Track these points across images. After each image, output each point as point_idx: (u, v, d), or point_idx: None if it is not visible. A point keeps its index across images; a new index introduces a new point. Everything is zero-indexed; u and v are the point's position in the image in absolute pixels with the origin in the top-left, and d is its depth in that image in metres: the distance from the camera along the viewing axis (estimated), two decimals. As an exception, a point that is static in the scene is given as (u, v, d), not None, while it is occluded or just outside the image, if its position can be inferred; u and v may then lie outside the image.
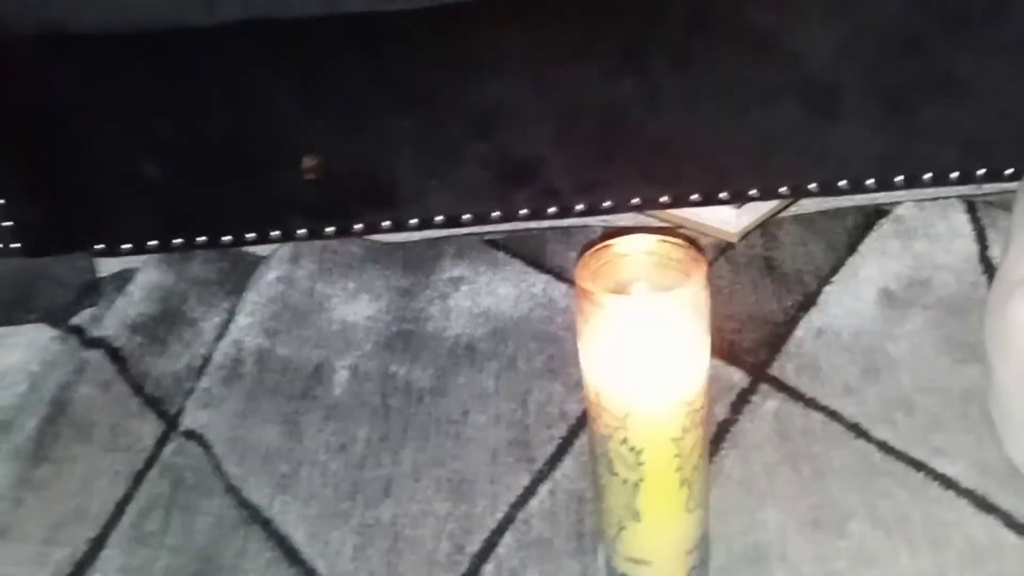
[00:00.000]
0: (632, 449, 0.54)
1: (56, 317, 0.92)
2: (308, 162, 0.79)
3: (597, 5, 0.77)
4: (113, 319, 0.88)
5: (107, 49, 0.78)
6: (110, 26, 0.76)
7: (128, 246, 0.88)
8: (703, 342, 0.53)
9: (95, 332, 0.87)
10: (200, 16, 0.75)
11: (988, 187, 0.90)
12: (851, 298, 0.83)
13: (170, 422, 0.79)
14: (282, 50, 0.79)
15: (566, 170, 0.84)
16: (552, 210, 0.87)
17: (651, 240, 0.53)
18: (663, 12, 0.77)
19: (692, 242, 0.51)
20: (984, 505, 0.66)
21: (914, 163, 0.84)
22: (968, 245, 0.86)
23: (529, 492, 0.71)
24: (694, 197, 0.86)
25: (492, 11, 0.76)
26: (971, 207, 0.88)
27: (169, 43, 0.77)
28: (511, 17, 0.77)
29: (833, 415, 0.74)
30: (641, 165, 0.84)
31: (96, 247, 0.89)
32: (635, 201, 0.87)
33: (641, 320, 0.51)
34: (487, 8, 0.75)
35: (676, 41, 0.78)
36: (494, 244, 0.93)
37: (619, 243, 0.52)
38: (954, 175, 0.84)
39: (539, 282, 0.88)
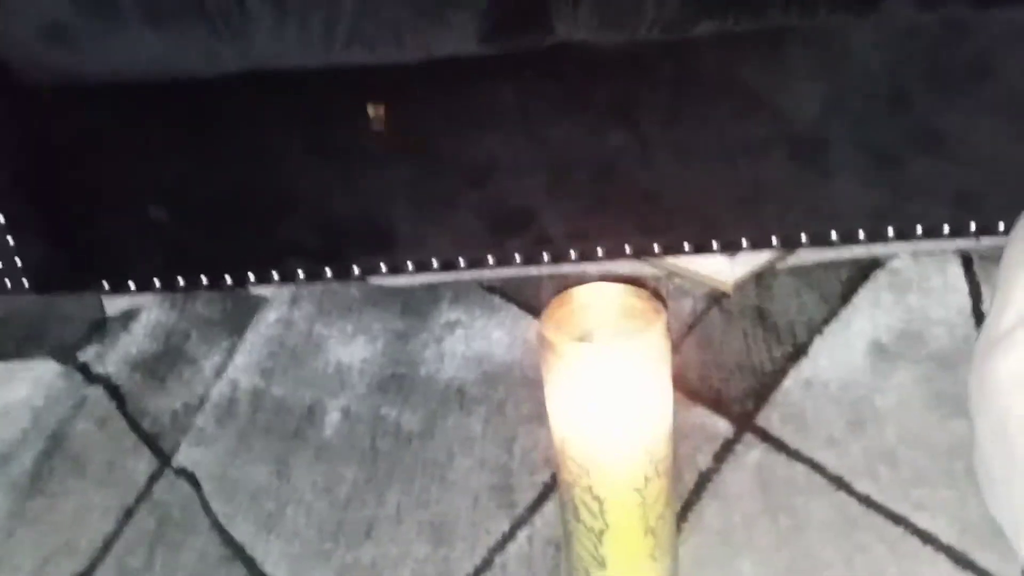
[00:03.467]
0: (596, 497, 0.54)
1: (65, 353, 0.94)
2: (373, 111, 0.77)
3: (587, 63, 0.79)
4: (116, 356, 0.90)
5: (116, 98, 0.81)
6: (119, 76, 0.79)
7: (133, 286, 0.90)
8: (665, 391, 0.54)
9: (98, 369, 0.90)
10: (202, 66, 0.78)
11: (986, 240, 0.90)
12: (842, 350, 0.83)
13: (164, 459, 0.81)
14: (282, 100, 0.82)
15: (558, 219, 0.86)
16: (546, 257, 0.89)
17: (613, 289, 0.54)
18: (651, 69, 0.79)
19: (655, 292, 0.52)
20: (963, 562, 0.66)
21: (905, 216, 0.84)
22: (962, 299, 0.86)
23: (508, 537, 0.71)
24: (686, 246, 0.87)
25: (484, 67, 0.78)
26: (967, 261, 0.88)
27: (174, 93, 0.80)
28: (503, 73, 0.79)
29: (816, 467, 0.74)
30: (632, 215, 0.86)
31: (103, 286, 0.91)
32: (628, 250, 0.88)
33: (602, 367, 0.52)
34: (480, 64, 0.78)
35: (665, 97, 0.80)
36: (491, 289, 0.94)
37: (581, 293, 0.54)
38: (946, 229, 0.85)
39: (533, 327, 0.89)
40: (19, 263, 0.88)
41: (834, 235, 0.86)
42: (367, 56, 0.78)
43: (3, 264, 0.88)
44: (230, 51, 0.77)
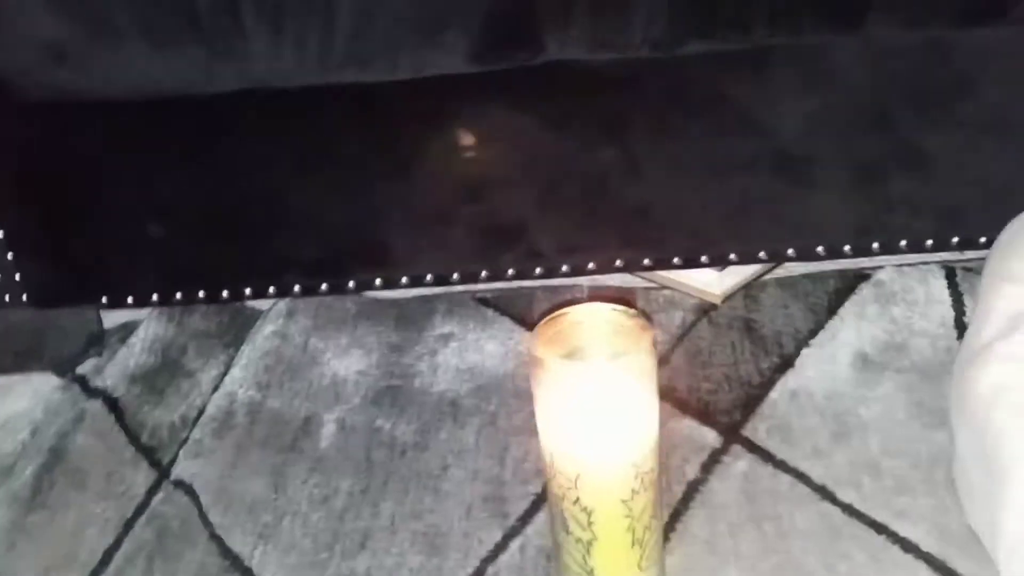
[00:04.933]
0: (584, 509, 0.56)
1: (63, 366, 0.95)
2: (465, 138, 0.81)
3: (577, 80, 0.80)
4: (114, 369, 0.92)
5: (114, 115, 0.83)
6: (116, 93, 0.81)
7: (131, 300, 0.92)
8: (651, 407, 0.55)
9: (97, 382, 0.91)
10: (199, 84, 0.79)
11: (970, 253, 0.92)
12: (827, 361, 0.85)
13: (162, 471, 0.82)
14: (279, 117, 0.83)
15: (550, 234, 0.87)
16: (538, 271, 0.90)
17: (602, 308, 0.55)
18: (640, 86, 0.81)
19: (642, 310, 0.54)
20: (943, 570, 0.67)
21: (889, 231, 0.86)
22: (945, 311, 0.87)
23: (500, 547, 0.73)
24: (676, 260, 0.89)
25: (475, 84, 0.80)
26: (950, 273, 0.90)
27: (171, 110, 0.82)
28: (494, 89, 0.81)
29: (801, 476, 0.75)
30: (622, 230, 0.87)
31: (101, 301, 0.93)
32: (618, 263, 0.90)
33: (590, 384, 0.53)
34: (470, 81, 0.79)
35: (653, 113, 0.82)
36: (485, 302, 0.96)
37: (571, 312, 0.55)
38: (929, 243, 0.86)
39: (525, 340, 0.91)
40: (18, 278, 0.90)
41: (820, 249, 0.88)
42: (361, 74, 0.80)
43: (2, 279, 0.90)
44: (227, 70, 0.79)
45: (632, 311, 0.55)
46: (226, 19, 0.76)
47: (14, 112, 0.83)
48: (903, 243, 0.87)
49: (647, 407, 0.55)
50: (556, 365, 0.53)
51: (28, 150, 0.85)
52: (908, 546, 0.69)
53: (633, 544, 0.57)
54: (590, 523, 0.56)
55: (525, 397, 0.85)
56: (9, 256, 0.88)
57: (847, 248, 0.87)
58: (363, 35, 0.77)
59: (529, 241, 0.88)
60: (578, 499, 0.56)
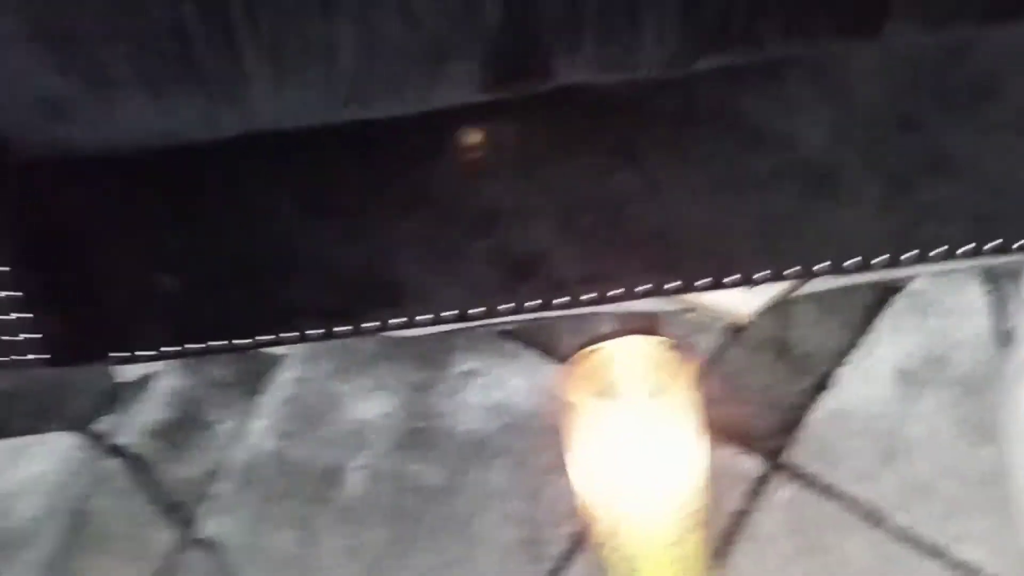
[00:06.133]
0: (628, 557, 0.53)
1: (79, 424, 0.93)
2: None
3: (589, 103, 0.78)
4: (132, 425, 0.89)
5: (116, 168, 0.80)
6: (117, 146, 0.79)
7: (148, 353, 0.89)
8: (696, 444, 0.53)
9: (115, 439, 0.89)
10: (200, 131, 0.77)
11: (1004, 259, 0.89)
12: (866, 379, 0.82)
13: (187, 529, 0.80)
14: (284, 160, 0.81)
15: (570, 262, 0.84)
16: (560, 301, 0.87)
17: (639, 343, 0.53)
18: (654, 106, 0.78)
19: (682, 341, 0.51)
20: (1008, 594, 0.64)
21: (922, 240, 0.83)
22: (983, 320, 0.85)
23: (540, 593, 0.70)
24: (702, 282, 0.86)
25: (482, 114, 0.77)
26: (988, 279, 0.87)
27: (173, 159, 0.80)
28: (504, 118, 0.78)
29: (849, 502, 0.73)
30: (645, 254, 0.84)
31: (118, 356, 0.91)
32: (642, 289, 0.87)
33: (627, 424, 0.50)
34: (477, 112, 0.77)
35: (669, 133, 0.79)
36: (507, 335, 0.93)
37: (603, 347, 0.53)
38: (962, 250, 0.83)
39: (552, 372, 0.88)
40: (37, 337, 0.88)
41: (851, 263, 0.85)
42: (367, 112, 0.78)
43: (24, 339, 0.87)
44: (229, 115, 0.76)
45: (670, 341, 0.52)
46: (225, 63, 0.74)
47: (16, 170, 0.81)
48: (936, 252, 0.84)
49: (691, 445, 0.52)
50: (590, 406, 0.50)
51: (33, 208, 0.83)
52: (969, 570, 0.66)
53: (682, 589, 0.55)
54: (636, 571, 0.53)
55: (554, 434, 0.83)
56: (28, 315, 0.86)
57: (879, 260, 0.84)
58: (366, 71, 0.75)
59: (548, 271, 0.85)
60: (622, 546, 0.53)
